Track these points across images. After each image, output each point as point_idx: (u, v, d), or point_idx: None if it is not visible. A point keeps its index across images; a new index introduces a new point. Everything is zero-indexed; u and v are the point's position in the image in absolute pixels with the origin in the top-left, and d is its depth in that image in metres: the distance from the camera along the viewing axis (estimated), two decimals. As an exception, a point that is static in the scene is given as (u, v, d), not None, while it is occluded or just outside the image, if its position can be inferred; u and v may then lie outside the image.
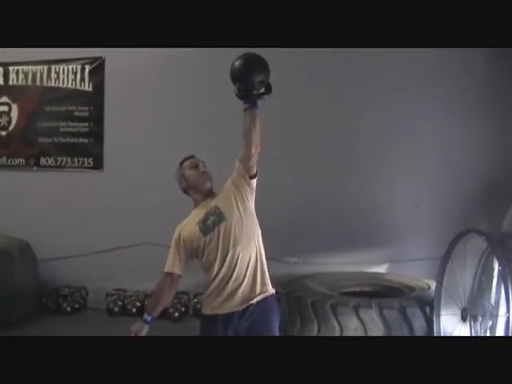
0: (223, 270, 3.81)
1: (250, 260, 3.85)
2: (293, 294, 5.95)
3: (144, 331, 3.82)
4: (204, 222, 3.87)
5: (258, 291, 3.84)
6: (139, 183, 7.40)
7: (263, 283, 3.89)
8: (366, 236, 6.79)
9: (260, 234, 3.94)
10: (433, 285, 5.67)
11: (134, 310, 7.38)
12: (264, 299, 3.86)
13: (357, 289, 6.23)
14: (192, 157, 4.11)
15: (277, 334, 3.91)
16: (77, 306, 7.68)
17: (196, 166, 4.02)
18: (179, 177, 4.07)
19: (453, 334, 5.17)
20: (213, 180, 4.02)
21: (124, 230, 7.26)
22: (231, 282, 3.80)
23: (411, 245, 6.79)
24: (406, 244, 6.81)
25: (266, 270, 3.96)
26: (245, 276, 3.82)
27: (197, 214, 3.95)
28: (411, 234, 6.79)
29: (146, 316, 3.87)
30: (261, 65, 3.69)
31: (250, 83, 3.62)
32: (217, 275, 3.83)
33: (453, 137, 6.81)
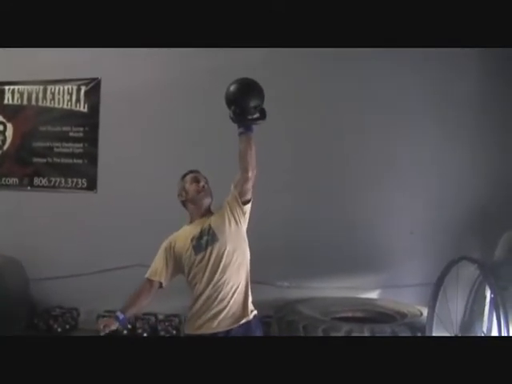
0: (208, 292, 3.83)
1: (238, 286, 3.89)
2: (285, 318, 5.94)
3: (112, 328, 3.82)
4: (198, 240, 3.90)
5: (241, 315, 3.87)
6: (133, 204, 7.39)
7: (246, 307, 3.92)
8: (358, 261, 6.79)
9: (249, 258, 3.96)
10: (425, 311, 5.67)
11: (125, 331, 7.35)
12: (248, 321, 3.90)
13: (349, 314, 6.22)
14: (196, 171, 4.14)
15: None
16: (68, 327, 7.63)
17: (197, 181, 4.05)
18: (180, 189, 4.09)
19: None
20: (212, 197, 4.05)
21: (117, 251, 7.24)
22: (215, 303, 3.83)
23: (404, 271, 6.79)
24: (399, 270, 6.80)
25: (250, 293, 3.99)
26: (230, 300, 3.84)
27: (191, 230, 3.98)
28: (404, 260, 6.79)
29: (118, 313, 3.87)
30: (256, 90, 3.74)
31: (245, 107, 3.67)
32: (201, 295, 3.86)
33: (448, 164, 6.84)
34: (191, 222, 4.06)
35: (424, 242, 6.75)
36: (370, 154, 7.04)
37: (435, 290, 5.35)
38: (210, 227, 3.90)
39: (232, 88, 3.73)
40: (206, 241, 3.88)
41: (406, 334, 5.40)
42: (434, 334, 5.30)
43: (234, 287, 3.86)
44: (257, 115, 3.71)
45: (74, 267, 7.44)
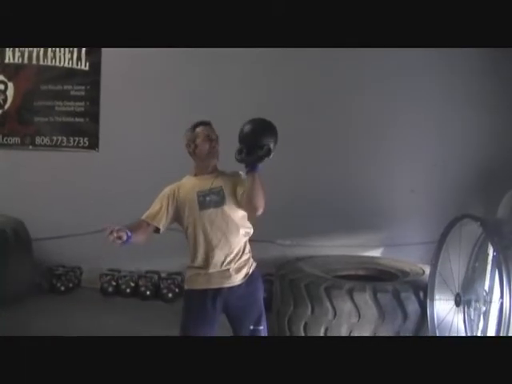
0: (208, 249, 3.85)
1: (238, 244, 3.92)
2: (287, 276, 5.94)
3: (121, 237, 3.65)
4: (205, 196, 3.87)
5: (241, 271, 3.92)
6: (135, 163, 7.37)
7: (247, 263, 3.99)
8: (361, 220, 6.79)
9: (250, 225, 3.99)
10: (427, 269, 5.67)
11: (128, 290, 7.39)
12: (248, 275, 3.96)
13: (351, 272, 6.22)
14: (208, 124, 4.01)
15: (261, 301, 3.99)
16: (71, 285, 7.69)
17: (210, 140, 3.94)
18: (189, 140, 3.98)
19: (446, 319, 5.18)
20: (219, 157, 3.99)
21: (119, 210, 7.22)
22: (215, 260, 3.85)
23: (406, 229, 6.80)
24: (401, 228, 6.81)
25: (249, 250, 4.06)
26: (229, 257, 3.88)
27: (198, 184, 3.95)
28: (407, 219, 6.80)
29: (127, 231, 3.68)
30: (268, 130, 3.67)
31: (250, 147, 3.58)
32: (200, 251, 3.88)
33: (450, 122, 6.81)
34: (196, 174, 4.01)
35: (427, 200, 6.76)
36: (372, 113, 7.01)
37: (437, 248, 5.34)
38: (221, 189, 3.87)
39: (246, 128, 3.65)
40: (213, 200, 3.86)
41: (408, 292, 5.40)
42: (435, 292, 5.31)
43: (234, 246, 3.88)
44: (261, 153, 3.58)
45: (76, 226, 7.45)
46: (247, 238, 4.02)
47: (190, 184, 3.98)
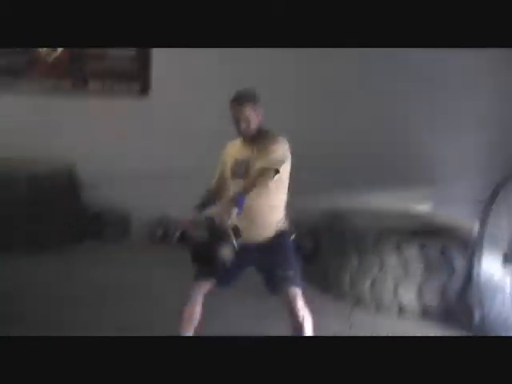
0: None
1: (268, 208, 3.92)
2: (334, 227, 5.96)
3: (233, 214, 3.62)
4: (238, 166, 3.92)
5: (269, 233, 3.94)
6: (186, 109, 7.37)
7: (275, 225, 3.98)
8: (411, 174, 6.74)
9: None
10: (476, 227, 5.62)
11: (178, 234, 7.43)
12: (278, 236, 3.96)
13: (400, 226, 6.19)
14: (253, 100, 3.89)
15: (289, 251, 3.99)
16: (120, 231, 7.79)
17: (258, 116, 3.89)
18: (233, 112, 3.89)
19: (492, 278, 5.14)
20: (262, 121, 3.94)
21: (171, 157, 7.26)
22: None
23: (457, 186, 6.73)
24: (452, 185, 6.74)
25: (280, 213, 4.02)
26: (258, 220, 3.90)
27: (239, 150, 3.98)
28: (458, 176, 6.71)
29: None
30: None
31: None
32: None
33: (504, 80, 6.66)
34: (243, 138, 4.00)
35: (479, 157, 6.65)
36: (420, 70, 6.89)
37: (488, 206, 5.27)
38: (248, 163, 3.87)
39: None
40: (243, 171, 3.87)
41: (456, 249, 5.38)
42: (483, 250, 5.27)
43: (257, 217, 3.89)
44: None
45: (128, 172, 7.49)
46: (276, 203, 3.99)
47: (234, 149, 4.03)
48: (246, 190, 3.63)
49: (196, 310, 4.12)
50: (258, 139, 3.89)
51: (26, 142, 7.29)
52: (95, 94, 7.96)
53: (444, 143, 6.80)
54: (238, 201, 3.58)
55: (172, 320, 4.07)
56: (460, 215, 6.35)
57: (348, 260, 5.67)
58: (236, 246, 3.55)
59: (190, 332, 4.22)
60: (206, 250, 3.64)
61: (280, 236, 3.97)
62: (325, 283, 6.04)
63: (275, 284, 3.91)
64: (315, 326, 5.08)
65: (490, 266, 5.23)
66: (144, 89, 7.90)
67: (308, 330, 3.94)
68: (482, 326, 5.15)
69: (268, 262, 3.92)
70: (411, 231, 6.07)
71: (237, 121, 3.85)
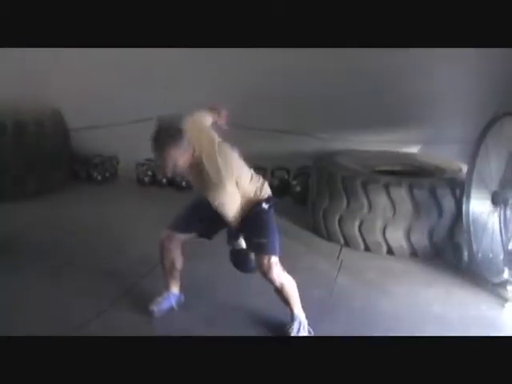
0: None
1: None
2: (323, 169, 5.95)
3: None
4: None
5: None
6: (173, 54, 7.28)
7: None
8: (400, 116, 6.69)
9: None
10: (465, 168, 5.64)
11: (164, 180, 7.45)
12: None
13: (388, 168, 6.19)
14: (175, 139, 3.66)
15: (267, 219, 4.03)
16: (107, 174, 7.78)
17: (175, 161, 3.70)
18: (156, 153, 3.72)
19: (482, 218, 5.17)
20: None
21: (158, 100, 7.19)
22: None
23: (445, 127, 6.69)
24: (440, 126, 6.70)
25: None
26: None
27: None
28: (446, 116, 6.68)
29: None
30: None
31: None
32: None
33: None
34: None
35: (467, 97, 6.60)
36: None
37: (476, 146, 5.28)
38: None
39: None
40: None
41: (445, 189, 5.40)
42: (472, 190, 5.29)
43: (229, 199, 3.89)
44: None
45: (114, 116, 7.43)
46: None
47: None
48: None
49: (177, 257, 4.25)
50: (196, 172, 3.81)
51: (12, 88, 7.21)
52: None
53: (432, 84, 6.74)
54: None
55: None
56: (448, 156, 6.36)
57: (337, 201, 5.68)
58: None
59: (177, 281, 4.30)
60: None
61: (256, 204, 3.99)
62: (314, 224, 6.07)
63: (250, 250, 4.01)
64: (306, 266, 5.17)
65: (478, 205, 5.26)
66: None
67: (288, 296, 4.03)
68: (471, 266, 5.21)
69: (244, 227, 3.96)
70: (400, 172, 6.09)
71: (162, 163, 3.73)
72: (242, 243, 4.02)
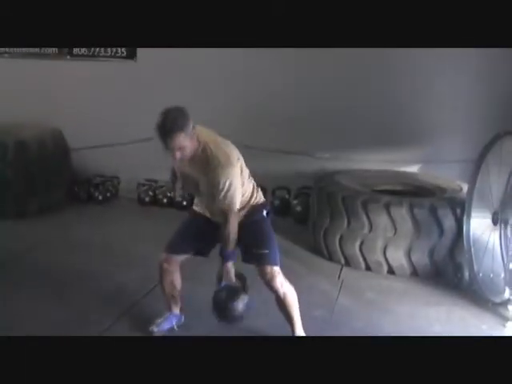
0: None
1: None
2: (324, 189, 5.95)
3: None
4: (187, 182, 4.10)
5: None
6: (172, 74, 7.31)
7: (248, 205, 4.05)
8: (400, 135, 6.69)
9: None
10: (465, 187, 5.64)
11: (165, 200, 7.45)
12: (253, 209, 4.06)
13: (388, 187, 6.18)
14: (183, 126, 3.64)
15: (265, 228, 4.07)
16: (108, 194, 7.77)
17: (183, 149, 3.70)
18: (164, 142, 3.67)
19: (482, 237, 5.17)
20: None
21: (156, 121, 7.18)
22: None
23: (445, 146, 6.70)
24: (441, 145, 6.71)
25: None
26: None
27: (185, 164, 3.93)
28: (446, 135, 6.68)
29: None
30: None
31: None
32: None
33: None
34: None
35: (468, 116, 6.61)
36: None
37: (477, 165, 5.29)
38: (198, 183, 3.96)
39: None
40: (193, 188, 4.16)
41: (445, 208, 5.40)
42: (473, 210, 5.29)
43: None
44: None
45: (115, 136, 7.46)
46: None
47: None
48: (229, 245, 3.81)
49: (176, 278, 4.26)
50: (201, 158, 3.79)
51: (13, 107, 7.25)
52: (81, 57, 7.86)
53: (432, 102, 6.75)
54: (229, 256, 3.84)
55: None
56: (449, 175, 6.36)
57: (337, 221, 5.67)
58: (246, 298, 3.84)
59: (177, 301, 4.29)
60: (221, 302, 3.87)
61: (254, 212, 4.02)
62: (315, 244, 6.06)
63: (251, 261, 4.00)
64: (307, 286, 5.15)
65: (479, 225, 5.26)
66: (130, 54, 7.77)
67: (291, 305, 4.03)
68: (472, 285, 5.20)
69: (243, 238, 3.95)
70: (400, 192, 6.09)
71: (170, 150, 3.66)
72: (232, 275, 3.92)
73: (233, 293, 3.86)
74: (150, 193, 7.60)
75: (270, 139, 6.98)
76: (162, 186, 7.50)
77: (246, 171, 3.98)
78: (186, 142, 3.62)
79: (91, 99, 7.65)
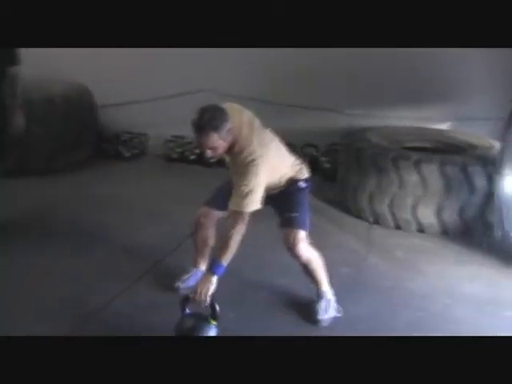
0: None
1: None
2: (353, 145, 5.89)
3: None
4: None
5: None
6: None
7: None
8: (431, 92, 6.59)
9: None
10: (497, 145, 5.54)
11: (192, 157, 7.41)
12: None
13: (419, 144, 6.11)
14: (218, 126, 3.54)
15: (300, 197, 3.99)
16: (136, 151, 7.75)
17: (215, 149, 3.62)
18: (197, 138, 3.63)
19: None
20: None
21: (188, 76, 7.11)
22: None
23: (476, 103, 6.58)
24: (471, 102, 6.59)
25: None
26: None
27: None
28: (478, 92, 6.56)
29: None
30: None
31: None
32: None
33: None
34: None
35: (499, 73, 6.46)
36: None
37: (508, 122, 5.18)
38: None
39: None
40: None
41: (477, 166, 5.31)
42: (504, 168, 5.19)
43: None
44: None
45: (142, 93, 7.40)
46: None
47: None
48: (223, 255, 3.60)
49: (211, 235, 4.22)
50: (234, 153, 3.73)
51: (39, 63, 7.20)
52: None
53: (464, 58, 6.61)
54: (219, 269, 3.58)
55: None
56: (480, 132, 6.25)
57: (366, 178, 5.61)
58: (216, 330, 3.44)
59: (206, 258, 4.26)
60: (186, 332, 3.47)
61: (293, 183, 3.96)
62: (343, 201, 6.01)
63: (281, 224, 3.93)
64: (335, 244, 5.13)
65: (510, 183, 5.17)
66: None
67: (315, 269, 3.99)
68: (503, 244, 5.13)
69: (279, 204, 3.94)
70: (430, 149, 6.00)
71: (202, 148, 3.65)
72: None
73: (202, 322, 3.49)
74: (178, 149, 7.56)
75: (297, 95, 6.91)
76: (189, 143, 7.43)
77: (286, 161, 3.96)
78: (218, 143, 3.56)
79: (119, 54, 7.57)
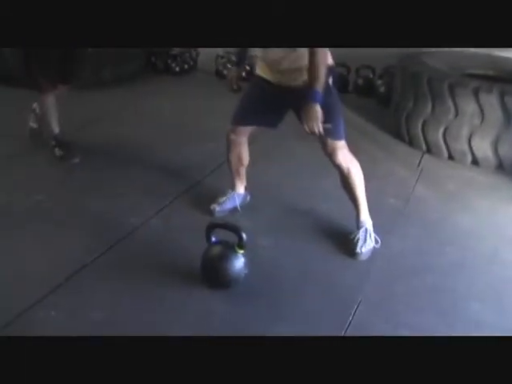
0: None
1: None
2: (409, 69, 5.60)
3: None
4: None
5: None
6: None
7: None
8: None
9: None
10: None
11: (243, 73, 7.20)
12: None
13: (479, 71, 5.78)
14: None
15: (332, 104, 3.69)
16: (186, 66, 7.63)
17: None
18: None
19: None
20: None
21: None
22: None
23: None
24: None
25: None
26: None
27: None
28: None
29: None
30: None
31: None
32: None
33: None
34: None
35: None
36: None
37: None
38: None
39: None
40: None
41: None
42: None
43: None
44: None
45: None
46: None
47: None
48: (316, 83, 3.41)
49: (243, 152, 4.10)
50: None
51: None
52: None
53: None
54: (316, 97, 3.39)
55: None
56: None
57: (421, 104, 5.34)
58: (243, 259, 3.35)
59: (242, 179, 4.12)
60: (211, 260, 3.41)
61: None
62: (396, 127, 5.76)
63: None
64: (383, 172, 4.93)
65: None
66: None
67: (355, 184, 3.80)
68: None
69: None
70: (491, 77, 5.66)
71: None
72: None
73: (229, 250, 3.38)
74: (229, 65, 7.35)
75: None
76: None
77: None
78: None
79: None
